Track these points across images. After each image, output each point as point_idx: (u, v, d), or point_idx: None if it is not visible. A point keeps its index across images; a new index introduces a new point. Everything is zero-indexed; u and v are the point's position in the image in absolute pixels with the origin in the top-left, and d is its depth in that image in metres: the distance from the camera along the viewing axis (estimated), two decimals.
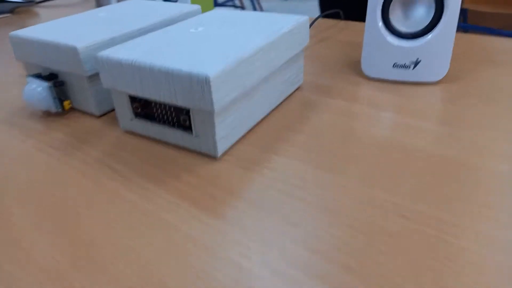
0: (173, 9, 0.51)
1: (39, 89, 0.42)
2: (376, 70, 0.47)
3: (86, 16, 0.49)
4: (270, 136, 0.38)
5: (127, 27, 0.43)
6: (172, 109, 0.35)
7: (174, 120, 0.36)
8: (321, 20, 0.74)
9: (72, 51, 0.39)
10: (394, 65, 0.45)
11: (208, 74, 0.30)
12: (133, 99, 0.37)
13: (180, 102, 0.33)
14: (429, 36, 0.43)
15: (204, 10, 0.70)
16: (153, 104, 0.36)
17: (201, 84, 0.31)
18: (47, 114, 0.45)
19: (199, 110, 0.33)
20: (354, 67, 0.52)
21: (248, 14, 0.45)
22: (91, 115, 0.44)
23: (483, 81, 0.46)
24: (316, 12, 3.51)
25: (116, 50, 0.36)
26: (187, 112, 0.34)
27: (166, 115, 0.36)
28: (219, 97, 0.32)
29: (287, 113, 0.41)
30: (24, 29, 0.45)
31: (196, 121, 0.34)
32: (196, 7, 0.51)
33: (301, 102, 0.43)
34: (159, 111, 0.36)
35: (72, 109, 0.46)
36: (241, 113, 0.36)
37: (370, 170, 0.32)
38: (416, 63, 0.44)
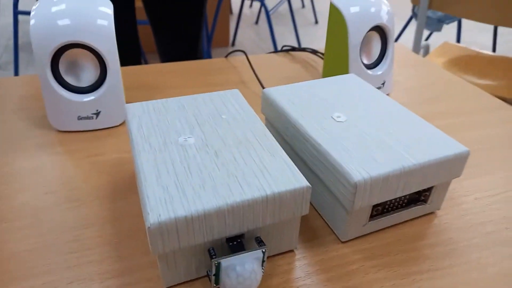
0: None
1: (254, 266, 0.31)
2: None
3: None
4: None
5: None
6: (408, 195, 0.38)
7: (408, 201, 0.38)
8: None
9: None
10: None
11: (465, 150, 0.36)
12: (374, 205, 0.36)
13: (436, 182, 0.37)
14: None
15: None
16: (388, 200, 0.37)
17: (460, 159, 0.36)
18: None
19: (444, 183, 0.38)
20: None
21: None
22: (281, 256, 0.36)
23: None
24: None
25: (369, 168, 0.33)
26: (427, 189, 0.38)
27: (401, 202, 0.38)
28: None
29: None
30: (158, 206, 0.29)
31: (435, 192, 0.39)
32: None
33: None
34: (393, 202, 0.37)
35: None
36: None
37: None
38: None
